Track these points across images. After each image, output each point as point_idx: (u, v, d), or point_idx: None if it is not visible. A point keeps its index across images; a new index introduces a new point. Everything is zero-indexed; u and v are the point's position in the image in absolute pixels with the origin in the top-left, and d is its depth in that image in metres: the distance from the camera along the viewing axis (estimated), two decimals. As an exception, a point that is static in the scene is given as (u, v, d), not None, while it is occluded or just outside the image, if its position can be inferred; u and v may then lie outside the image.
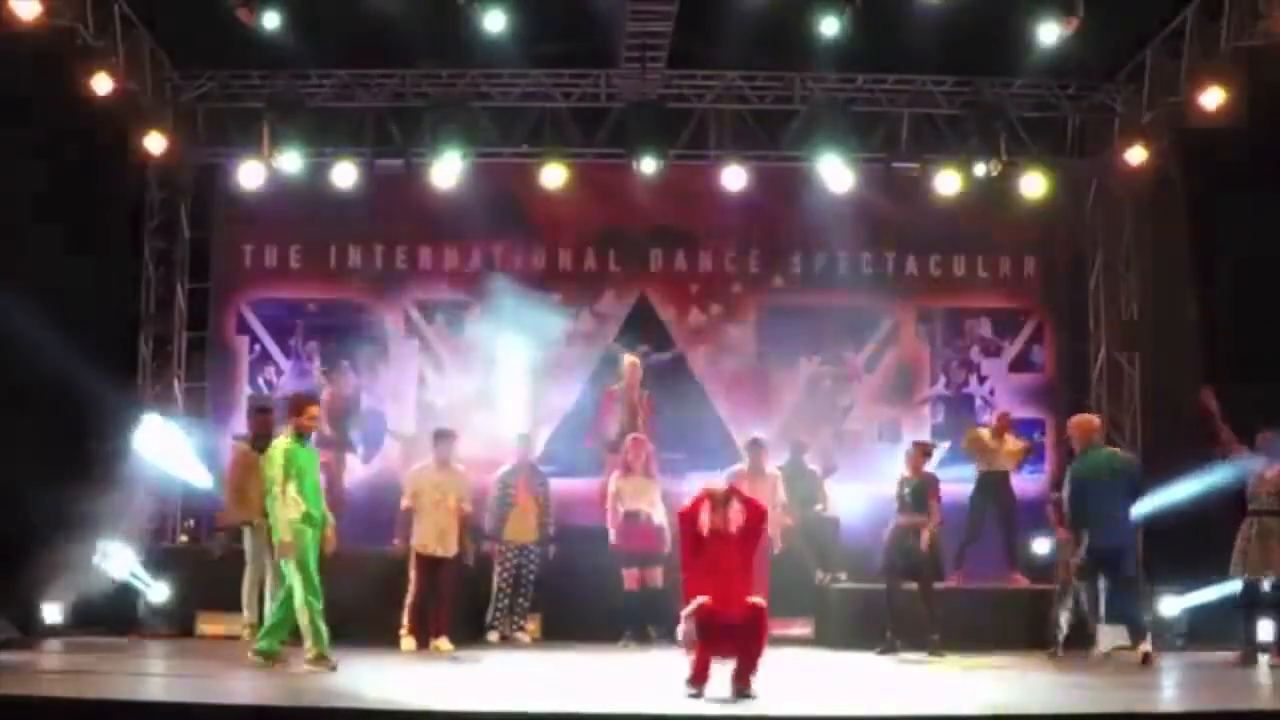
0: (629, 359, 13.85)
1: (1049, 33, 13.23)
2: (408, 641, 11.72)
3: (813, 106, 14.95)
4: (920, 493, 11.94)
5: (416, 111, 14.97)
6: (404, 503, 11.95)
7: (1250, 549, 11.35)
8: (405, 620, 11.79)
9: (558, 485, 13.84)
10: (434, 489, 11.86)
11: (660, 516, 12.45)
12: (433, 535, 11.81)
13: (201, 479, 13.88)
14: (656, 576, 12.37)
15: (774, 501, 12.26)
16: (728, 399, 15.67)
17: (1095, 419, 12.25)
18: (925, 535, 11.78)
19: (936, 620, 11.74)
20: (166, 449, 13.59)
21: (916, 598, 11.88)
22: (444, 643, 11.75)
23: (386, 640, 11.59)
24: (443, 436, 12.17)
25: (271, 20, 13.01)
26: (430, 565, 11.81)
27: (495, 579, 12.67)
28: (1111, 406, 15.54)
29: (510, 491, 12.77)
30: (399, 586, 11.93)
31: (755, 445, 12.93)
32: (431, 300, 15.34)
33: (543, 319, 14.95)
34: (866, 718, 8.63)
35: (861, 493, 15.02)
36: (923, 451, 12.29)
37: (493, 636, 12.54)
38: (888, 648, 11.75)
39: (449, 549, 11.87)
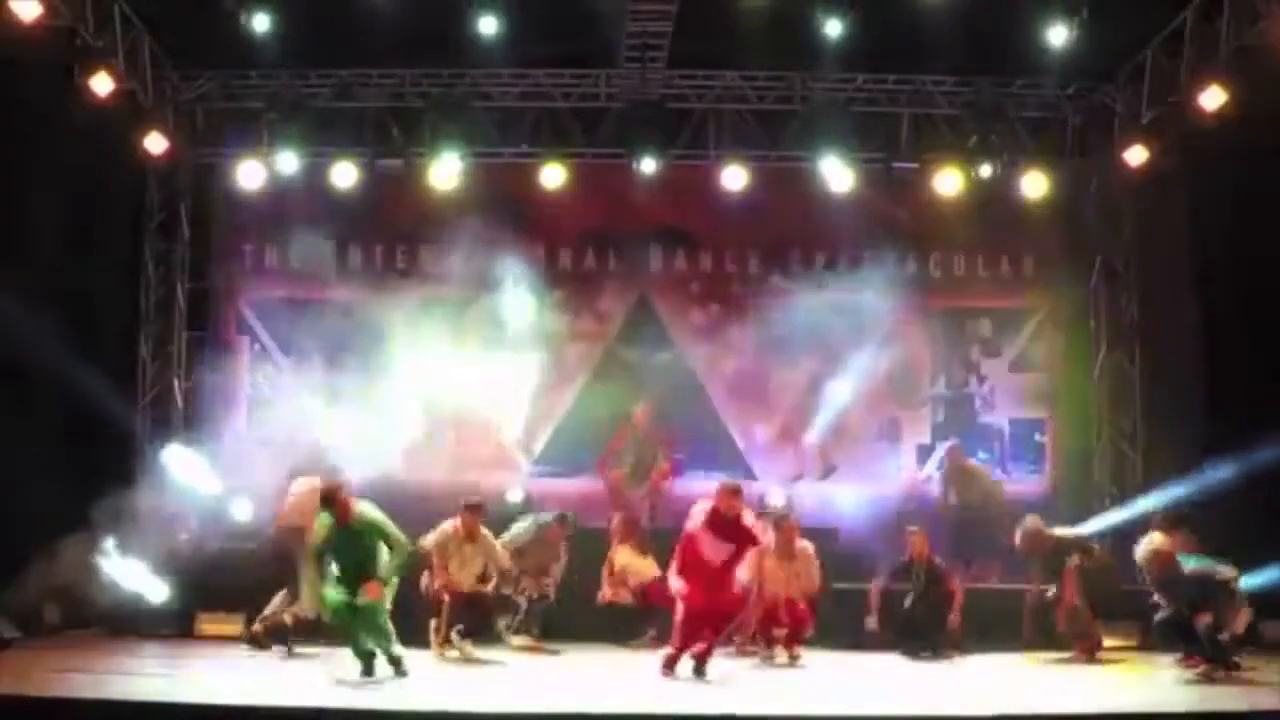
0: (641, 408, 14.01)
1: (1056, 35, 13.28)
2: (467, 646, 11.37)
3: (813, 106, 14.95)
4: (935, 577, 12.08)
5: (416, 111, 14.97)
6: (424, 545, 11.50)
7: None
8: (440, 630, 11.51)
9: (557, 486, 13.85)
10: (457, 553, 11.56)
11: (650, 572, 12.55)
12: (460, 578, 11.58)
13: (211, 487, 13.91)
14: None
15: (810, 581, 11.92)
16: (728, 399, 15.67)
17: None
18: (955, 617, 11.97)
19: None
20: (189, 472, 13.63)
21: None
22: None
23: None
24: (473, 509, 11.63)
25: (261, 23, 13.06)
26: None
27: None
28: (1111, 407, 15.53)
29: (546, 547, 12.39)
30: (401, 587, 11.92)
31: (781, 518, 12.30)
32: (430, 300, 15.30)
33: (543, 319, 15.00)
34: (866, 717, 8.64)
35: (861, 493, 15.07)
36: (922, 536, 12.32)
37: (518, 641, 12.02)
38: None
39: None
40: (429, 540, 11.54)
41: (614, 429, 14.55)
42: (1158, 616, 10.59)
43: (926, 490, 15.35)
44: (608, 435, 14.68)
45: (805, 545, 11.98)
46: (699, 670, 9.96)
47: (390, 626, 9.79)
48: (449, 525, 11.62)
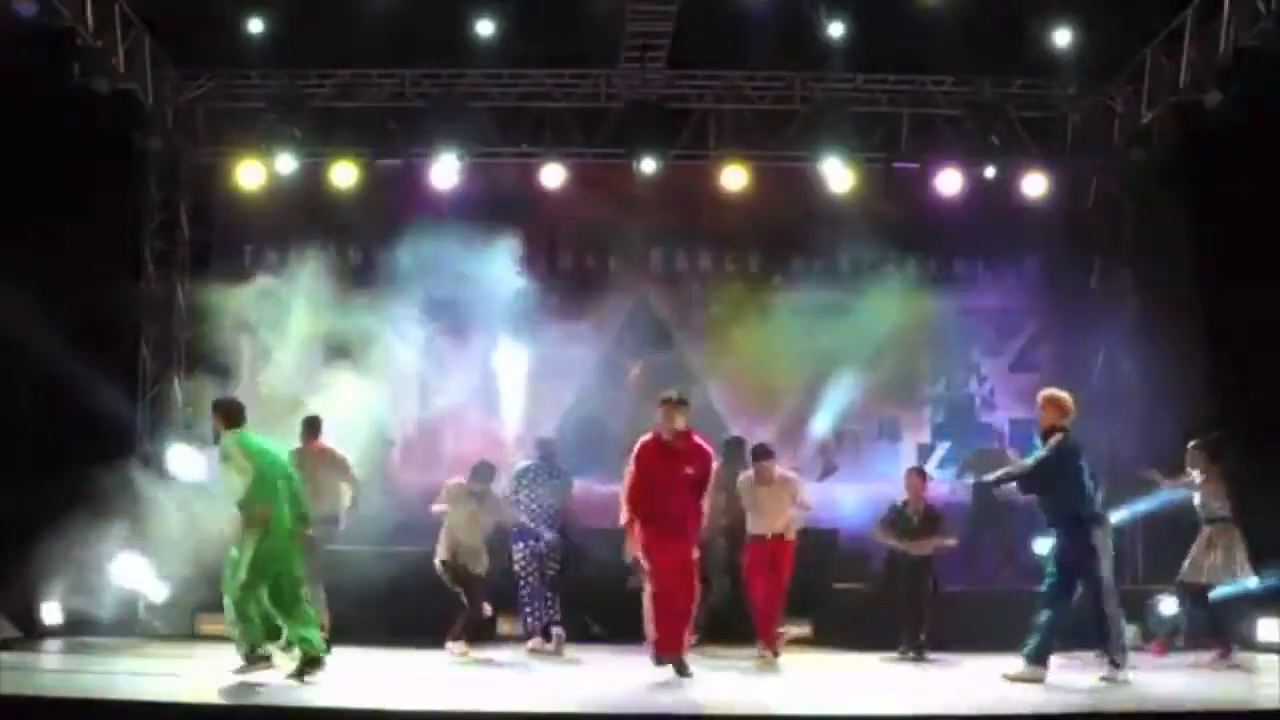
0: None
1: (1057, 35, 13.31)
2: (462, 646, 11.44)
3: (813, 106, 14.96)
4: (931, 521, 11.98)
5: (416, 111, 14.98)
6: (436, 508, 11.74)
7: (1215, 556, 11.45)
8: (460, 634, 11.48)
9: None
10: (464, 507, 11.63)
11: None
12: (465, 550, 11.58)
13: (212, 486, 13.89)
14: None
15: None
16: (728, 399, 15.67)
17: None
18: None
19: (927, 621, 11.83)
20: (190, 471, 13.63)
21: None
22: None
23: (388, 640, 11.56)
24: (483, 470, 11.77)
25: (261, 23, 13.07)
26: (464, 575, 11.57)
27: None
28: (1111, 407, 15.52)
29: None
30: (400, 587, 11.91)
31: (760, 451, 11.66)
32: (432, 300, 15.28)
33: (542, 319, 14.99)
34: (866, 717, 8.65)
35: (861, 493, 15.06)
36: (920, 475, 12.28)
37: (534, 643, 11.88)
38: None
39: (478, 567, 11.66)
40: (441, 499, 11.63)
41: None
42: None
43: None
44: (607, 435, 14.71)
45: (786, 473, 11.61)
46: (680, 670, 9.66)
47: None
48: (454, 481, 11.72)
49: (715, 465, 10.44)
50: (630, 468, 9.88)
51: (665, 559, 9.68)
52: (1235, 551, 11.48)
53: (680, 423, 9.83)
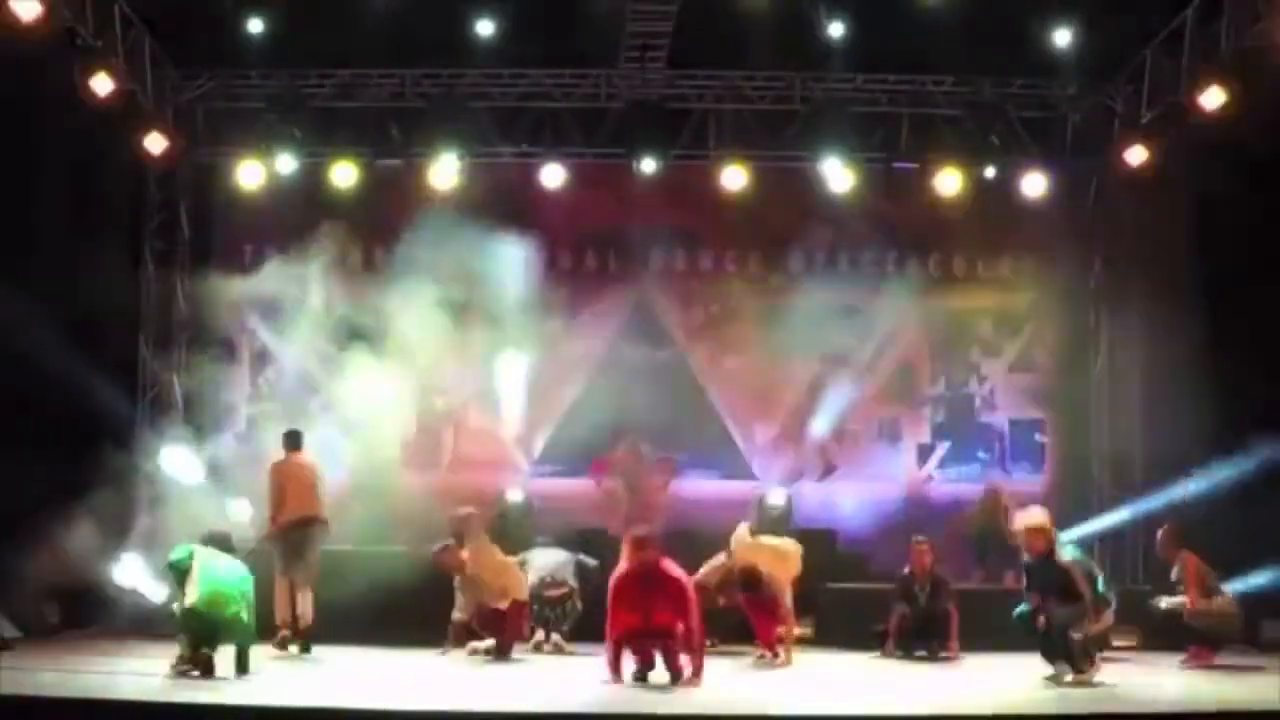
0: None
1: (1057, 35, 13.32)
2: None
3: (813, 106, 14.95)
4: (937, 592, 11.85)
5: (416, 111, 14.97)
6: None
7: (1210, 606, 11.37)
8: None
9: (557, 486, 13.84)
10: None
11: None
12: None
13: (210, 488, 13.90)
14: None
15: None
16: (728, 399, 15.68)
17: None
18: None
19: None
20: (188, 472, 13.62)
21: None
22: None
23: (386, 641, 11.56)
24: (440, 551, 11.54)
25: (261, 23, 13.07)
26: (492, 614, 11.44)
27: None
28: (1111, 407, 15.54)
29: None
30: (399, 587, 11.90)
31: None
32: (432, 300, 15.26)
33: (542, 318, 15.00)
34: (866, 717, 8.66)
35: (861, 493, 15.08)
36: (930, 548, 12.08)
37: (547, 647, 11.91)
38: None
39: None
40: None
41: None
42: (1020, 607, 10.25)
43: (927, 490, 15.45)
44: (607, 436, 14.71)
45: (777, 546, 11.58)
46: (640, 675, 9.59)
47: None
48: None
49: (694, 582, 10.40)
50: (610, 604, 9.80)
51: (637, 622, 9.66)
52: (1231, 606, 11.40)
53: (648, 555, 9.80)
